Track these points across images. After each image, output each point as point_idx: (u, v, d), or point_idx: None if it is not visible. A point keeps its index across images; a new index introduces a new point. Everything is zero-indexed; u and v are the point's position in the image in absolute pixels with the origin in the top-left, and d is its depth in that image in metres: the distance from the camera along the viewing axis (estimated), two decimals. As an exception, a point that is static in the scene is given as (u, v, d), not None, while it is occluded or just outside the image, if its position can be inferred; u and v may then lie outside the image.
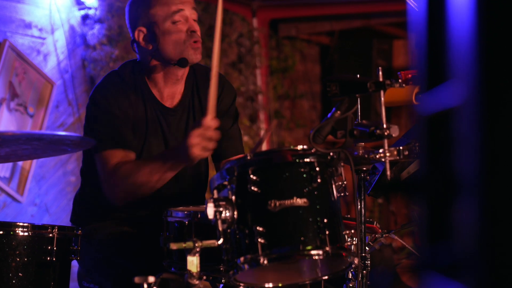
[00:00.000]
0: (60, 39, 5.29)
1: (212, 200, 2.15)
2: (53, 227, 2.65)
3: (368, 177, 2.46)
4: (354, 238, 2.28)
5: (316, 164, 2.20)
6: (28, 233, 2.61)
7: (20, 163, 4.95)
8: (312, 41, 7.51)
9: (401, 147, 2.26)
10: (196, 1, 2.95)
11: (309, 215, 2.16)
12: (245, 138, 6.37)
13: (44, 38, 5.17)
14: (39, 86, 5.09)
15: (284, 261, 2.19)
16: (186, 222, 2.42)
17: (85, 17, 5.47)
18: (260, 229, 2.13)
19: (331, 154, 2.24)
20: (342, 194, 2.27)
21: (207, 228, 2.31)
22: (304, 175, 2.19)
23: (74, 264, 2.78)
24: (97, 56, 5.49)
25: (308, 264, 2.31)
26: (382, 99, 2.29)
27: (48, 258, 2.61)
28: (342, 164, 2.28)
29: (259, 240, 2.13)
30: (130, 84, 2.87)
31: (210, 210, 2.13)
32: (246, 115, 6.58)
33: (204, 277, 2.34)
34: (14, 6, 4.97)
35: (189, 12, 2.86)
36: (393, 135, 2.24)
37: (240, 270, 2.16)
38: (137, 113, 2.85)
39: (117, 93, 2.84)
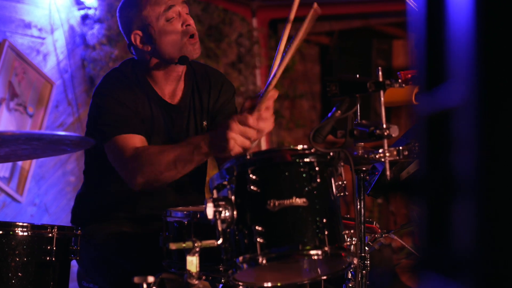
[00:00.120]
0: (59, 39, 5.29)
1: (211, 200, 2.15)
2: (52, 227, 2.65)
3: (367, 177, 2.46)
4: (354, 238, 2.28)
5: (315, 164, 2.20)
6: (28, 233, 2.61)
7: (19, 163, 4.95)
8: (312, 41, 7.51)
9: (400, 147, 2.26)
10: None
11: (308, 215, 2.16)
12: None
13: (43, 38, 5.17)
14: (39, 86, 5.09)
15: (283, 260, 2.19)
16: (186, 222, 2.42)
17: (84, 17, 5.47)
18: (259, 228, 2.13)
19: (330, 154, 2.24)
20: (341, 194, 2.26)
21: (206, 228, 2.31)
22: (304, 175, 2.19)
23: (74, 264, 2.78)
24: (96, 56, 5.50)
25: (307, 264, 2.31)
26: (382, 99, 2.29)
27: (48, 258, 2.61)
28: (341, 164, 2.28)
29: (258, 239, 2.13)
30: (133, 80, 2.87)
31: (210, 210, 2.13)
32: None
33: (204, 277, 2.34)
34: (14, 6, 4.96)
35: (180, 7, 2.85)
36: (393, 135, 2.24)
37: (239, 270, 2.16)
38: (143, 108, 2.84)
39: (122, 87, 2.83)
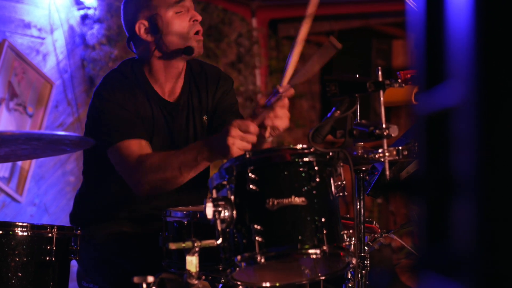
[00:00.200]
0: (59, 39, 5.29)
1: (211, 199, 2.15)
2: (52, 227, 2.65)
3: (367, 177, 2.46)
4: (353, 238, 2.28)
5: (315, 163, 2.20)
6: (27, 233, 2.61)
7: (19, 163, 4.95)
8: (311, 41, 7.51)
9: (400, 147, 2.26)
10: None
11: (307, 214, 2.16)
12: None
13: (43, 38, 5.17)
14: (38, 86, 5.09)
15: (281, 259, 2.19)
16: (185, 222, 2.42)
17: (84, 17, 5.47)
18: (258, 227, 2.14)
19: (330, 153, 2.24)
20: (341, 194, 2.27)
21: (206, 228, 2.31)
22: (303, 174, 2.19)
23: (74, 264, 2.78)
24: (96, 56, 5.50)
25: (305, 264, 2.31)
26: (382, 99, 2.29)
27: (48, 258, 2.61)
28: (341, 164, 2.28)
29: (257, 238, 2.13)
30: (132, 81, 2.87)
31: (209, 210, 2.13)
32: (245, 115, 6.58)
33: (203, 277, 2.34)
34: (14, 6, 4.97)
35: (189, 3, 2.87)
36: (392, 135, 2.24)
37: (238, 268, 2.16)
38: (144, 109, 2.84)
39: (122, 89, 2.83)
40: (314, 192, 2.18)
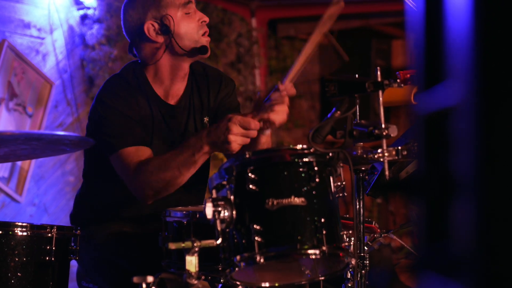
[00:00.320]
0: (59, 39, 5.29)
1: (210, 199, 2.15)
2: (52, 227, 2.65)
3: (366, 177, 2.46)
4: (353, 238, 2.28)
5: (314, 163, 2.21)
6: (27, 233, 2.61)
7: (19, 163, 4.95)
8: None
9: (399, 147, 2.26)
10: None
11: (306, 214, 2.16)
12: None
13: (43, 38, 5.17)
14: (38, 86, 5.09)
15: (281, 259, 2.19)
16: (185, 222, 2.42)
17: (84, 17, 5.47)
18: (258, 227, 2.14)
19: (330, 154, 2.24)
20: (340, 194, 2.27)
21: (205, 228, 2.31)
22: (303, 175, 2.19)
23: (73, 264, 2.78)
24: (96, 56, 5.50)
25: (305, 264, 2.31)
26: (381, 99, 2.29)
27: (47, 258, 2.61)
28: (341, 164, 2.28)
29: (256, 238, 2.13)
30: (134, 86, 2.87)
31: (209, 210, 2.13)
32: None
33: (203, 277, 2.34)
34: (13, 6, 4.97)
35: (194, 5, 2.89)
36: (392, 135, 2.24)
37: (237, 268, 2.16)
38: (145, 113, 2.85)
39: (124, 94, 2.83)
40: (313, 192, 2.18)
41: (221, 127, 2.51)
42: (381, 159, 2.27)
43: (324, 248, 2.14)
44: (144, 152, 2.75)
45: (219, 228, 2.15)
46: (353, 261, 2.24)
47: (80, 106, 5.45)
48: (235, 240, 2.17)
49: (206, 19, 2.88)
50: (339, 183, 2.27)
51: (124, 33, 2.93)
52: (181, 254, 2.30)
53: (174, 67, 2.88)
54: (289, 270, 2.33)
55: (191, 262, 2.13)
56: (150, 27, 2.83)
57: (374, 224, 2.90)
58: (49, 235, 2.63)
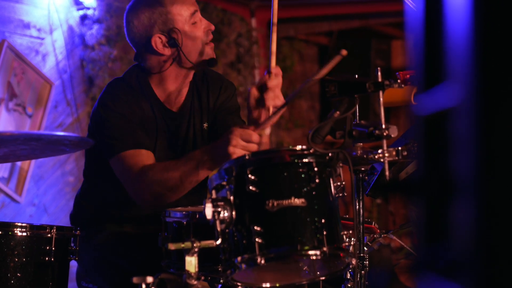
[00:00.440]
0: (58, 39, 5.29)
1: (210, 200, 2.15)
2: (51, 227, 2.65)
3: (366, 177, 2.46)
4: (353, 239, 2.28)
5: (314, 164, 2.20)
6: (27, 233, 2.61)
7: (18, 163, 4.95)
8: (311, 42, 7.51)
9: (399, 148, 2.26)
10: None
11: (307, 215, 2.16)
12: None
13: (42, 38, 5.17)
14: (38, 86, 5.09)
15: (281, 261, 2.19)
16: (185, 223, 2.42)
17: (83, 17, 5.47)
18: (258, 229, 2.14)
19: (329, 154, 2.24)
20: (340, 195, 2.27)
21: (205, 229, 2.31)
22: (302, 175, 2.19)
23: (73, 264, 2.78)
24: (95, 56, 5.50)
25: (305, 264, 2.31)
26: (381, 99, 2.29)
27: (47, 259, 2.61)
28: (340, 164, 2.28)
29: (257, 239, 2.13)
30: (137, 90, 2.87)
31: (209, 211, 2.13)
32: (244, 115, 6.58)
33: (203, 278, 2.34)
34: (13, 6, 4.96)
35: (199, 12, 2.88)
36: (392, 135, 2.24)
37: (238, 270, 2.16)
38: (147, 118, 2.84)
39: (127, 98, 2.83)
40: (313, 193, 2.18)
41: (222, 140, 2.52)
42: (381, 160, 2.27)
43: (324, 248, 2.14)
44: (146, 156, 2.75)
45: (218, 229, 2.15)
46: (354, 261, 2.24)
47: (80, 106, 5.44)
48: (235, 241, 2.17)
49: (212, 27, 2.88)
50: (338, 183, 2.27)
51: (128, 41, 2.91)
52: (180, 255, 2.30)
53: (179, 77, 2.89)
54: (290, 270, 2.33)
55: (191, 263, 2.13)
56: (157, 41, 2.82)
57: (374, 224, 2.90)
58: (49, 235, 2.63)
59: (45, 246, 2.62)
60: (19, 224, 2.62)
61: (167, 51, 2.82)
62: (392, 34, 7.44)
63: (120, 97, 2.82)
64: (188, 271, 2.13)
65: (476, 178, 0.94)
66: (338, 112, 2.31)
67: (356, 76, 2.37)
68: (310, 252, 2.14)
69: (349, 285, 2.41)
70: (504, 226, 0.92)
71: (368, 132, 2.25)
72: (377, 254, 3.00)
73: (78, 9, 5.44)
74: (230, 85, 3.05)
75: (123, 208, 2.89)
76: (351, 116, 2.32)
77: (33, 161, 5.03)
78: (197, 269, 2.13)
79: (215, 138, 2.93)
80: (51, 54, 5.23)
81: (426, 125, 1.10)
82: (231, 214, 2.16)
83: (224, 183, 2.21)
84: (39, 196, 5.17)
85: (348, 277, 2.41)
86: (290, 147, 2.27)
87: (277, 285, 2.27)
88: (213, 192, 2.22)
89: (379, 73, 2.30)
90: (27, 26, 5.05)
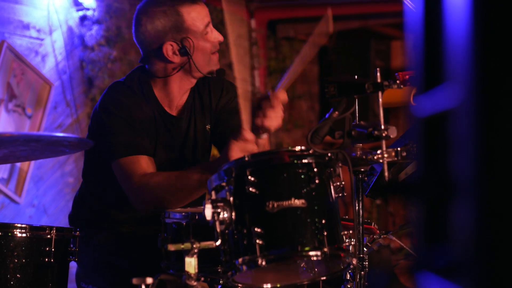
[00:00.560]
0: (58, 40, 5.29)
1: (210, 201, 2.15)
2: (51, 228, 2.65)
3: (366, 178, 2.46)
4: (352, 239, 2.28)
5: (314, 165, 2.20)
6: (26, 235, 2.61)
7: (18, 164, 4.95)
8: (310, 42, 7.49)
9: (399, 148, 2.26)
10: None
11: (307, 216, 2.16)
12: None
13: (42, 39, 5.17)
14: (37, 87, 5.09)
15: (282, 262, 2.19)
16: (184, 224, 2.42)
17: (83, 18, 5.46)
18: (258, 230, 2.13)
19: (329, 155, 2.24)
20: (340, 195, 2.27)
21: (205, 230, 2.31)
22: (302, 176, 2.19)
23: (73, 265, 2.78)
24: (95, 57, 5.49)
25: (306, 265, 2.31)
26: (380, 100, 2.29)
27: (46, 260, 2.61)
28: (340, 165, 2.28)
29: (257, 241, 2.13)
30: (139, 93, 2.87)
31: (208, 212, 2.13)
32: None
33: (202, 279, 2.34)
34: (12, 7, 4.96)
35: (211, 23, 2.89)
36: (391, 136, 2.24)
37: (238, 271, 2.16)
38: (149, 123, 2.84)
39: (129, 102, 2.82)
40: (313, 193, 2.18)
41: (223, 156, 2.54)
42: (381, 160, 2.27)
43: (325, 249, 2.14)
44: (146, 162, 2.75)
45: (218, 230, 2.15)
46: (354, 261, 2.24)
47: (80, 107, 5.44)
48: (236, 243, 2.17)
49: (221, 38, 2.88)
50: (338, 183, 2.27)
51: (135, 41, 2.90)
52: (180, 256, 2.30)
53: (184, 83, 2.89)
54: (290, 271, 2.33)
55: (191, 264, 2.13)
56: (169, 48, 2.82)
57: (374, 225, 2.90)
58: (48, 236, 2.63)
59: (45, 247, 2.62)
60: (19, 225, 2.62)
61: (177, 59, 2.82)
62: (392, 34, 7.43)
63: (122, 101, 2.82)
64: (187, 272, 2.13)
65: (476, 179, 0.94)
66: (337, 113, 2.31)
67: (356, 76, 2.37)
68: (311, 253, 2.14)
69: (349, 286, 2.41)
70: (503, 227, 0.92)
71: (367, 133, 2.25)
72: (376, 254, 3.00)
73: (78, 10, 5.43)
74: (231, 87, 3.05)
75: (122, 209, 2.89)
76: (350, 116, 2.32)
77: (32, 162, 5.03)
78: (196, 270, 2.13)
79: (218, 139, 2.93)
80: (51, 55, 5.23)
81: (426, 126, 1.10)
82: (231, 215, 2.16)
83: (224, 184, 2.21)
84: (39, 197, 5.17)
85: (348, 278, 2.41)
86: (290, 148, 2.27)
87: (278, 285, 2.27)
88: (213, 193, 2.22)
89: (379, 74, 2.30)
90: (26, 27, 5.05)
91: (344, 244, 2.23)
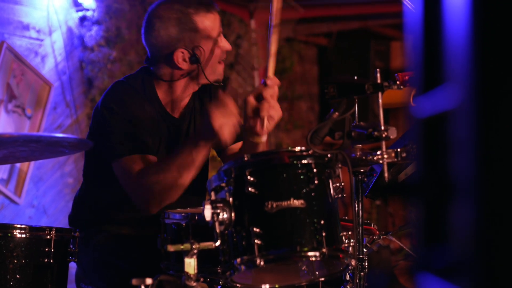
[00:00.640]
0: (58, 40, 5.29)
1: (209, 202, 2.15)
2: (50, 229, 2.65)
3: (365, 178, 2.46)
4: (352, 240, 2.28)
5: (313, 165, 2.21)
6: (26, 235, 2.61)
7: (17, 164, 4.95)
8: (310, 43, 7.51)
9: (398, 149, 2.26)
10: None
11: (306, 216, 2.16)
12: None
13: (42, 40, 5.17)
14: (37, 87, 5.09)
15: (280, 262, 2.19)
16: (184, 224, 2.42)
17: (82, 19, 5.47)
18: (257, 230, 2.14)
19: (328, 155, 2.24)
20: (339, 196, 2.27)
21: (204, 230, 2.31)
22: (302, 177, 2.19)
23: (72, 266, 2.78)
24: (94, 58, 5.50)
25: (305, 266, 2.31)
26: (380, 100, 2.29)
27: (46, 260, 2.61)
28: (339, 165, 2.28)
29: (256, 241, 2.13)
30: (141, 93, 2.87)
31: (208, 212, 2.13)
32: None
33: (202, 279, 2.34)
34: (12, 7, 4.96)
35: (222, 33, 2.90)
36: (391, 137, 2.24)
37: (237, 271, 2.16)
38: (151, 123, 2.84)
39: (131, 101, 2.82)
40: (313, 194, 2.18)
41: (204, 118, 2.56)
42: (380, 161, 2.27)
43: (324, 250, 2.14)
44: (148, 159, 2.75)
45: (218, 230, 2.15)
46: (353, 262, 2.24)
47: (79, 107, 5.44)
48: (235, 243, 2.17)
49: (229, 48, 2.89)
50: (337, 184, 2.27)
51: (144, 43, 2.90)
52: (180, 256, 2.30)
53: (188, 88, 2.90)
54: (289, 271, 2.33)
55: (190, 264, 2.13)
56: (179, 55, 2.82)
57: (373, 226, 2.90)
58: (48, 237, 2.63)
59: (44, 247, 2.62)
60: (18, 225, 2.62)
61: (186, 66, 2.83)
62: (391, 35, 7.44)
63: (124, 100, 2.81)
64: (187, 272, 2.13)
65: (475, 180, 0.94)
66: (336, 113, 2.31)
67: (355, 77, 2.37)
68: (310, 254, 2.14)
69: (348, 287, 2.41)
70: (503, 227, 0.92)
71: (367, 134, 2.25)
72: (376, 255, 3.00)
73: (77, 11, 5.43)
74: (232, 91, 3.06)
75: (122, 210, 2.89)
76: (350, 117, 2.32)
77: (32, 163, 5.03)
78: (196, 271, 2.13)
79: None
80: (50, 55, 5.23)
81: (425, 126, 1.10)
82: (230, 215, 2.16)
83: (223, 184, 2.21)
84: (38, 197, 5.17)
85: (347, 279, 2.41)
86: (289, 148, 2.27)
87: (276, 286, 2.27)
88: (212, 193, 2.22)
89: (378, 75, 2.30)
90: (26, 27, 5.05)
91: (343, 245, 2.23)
